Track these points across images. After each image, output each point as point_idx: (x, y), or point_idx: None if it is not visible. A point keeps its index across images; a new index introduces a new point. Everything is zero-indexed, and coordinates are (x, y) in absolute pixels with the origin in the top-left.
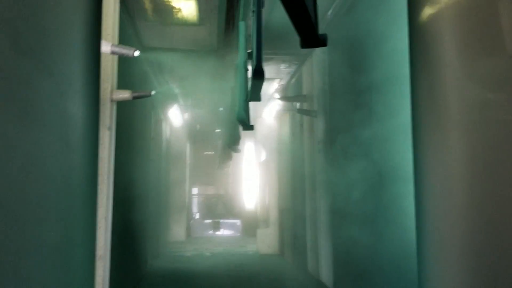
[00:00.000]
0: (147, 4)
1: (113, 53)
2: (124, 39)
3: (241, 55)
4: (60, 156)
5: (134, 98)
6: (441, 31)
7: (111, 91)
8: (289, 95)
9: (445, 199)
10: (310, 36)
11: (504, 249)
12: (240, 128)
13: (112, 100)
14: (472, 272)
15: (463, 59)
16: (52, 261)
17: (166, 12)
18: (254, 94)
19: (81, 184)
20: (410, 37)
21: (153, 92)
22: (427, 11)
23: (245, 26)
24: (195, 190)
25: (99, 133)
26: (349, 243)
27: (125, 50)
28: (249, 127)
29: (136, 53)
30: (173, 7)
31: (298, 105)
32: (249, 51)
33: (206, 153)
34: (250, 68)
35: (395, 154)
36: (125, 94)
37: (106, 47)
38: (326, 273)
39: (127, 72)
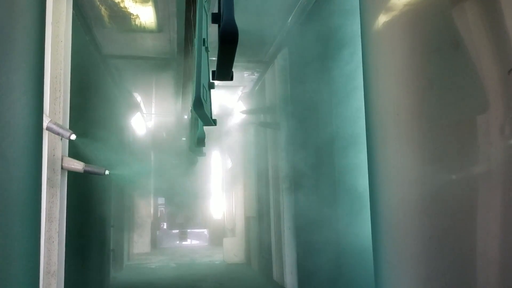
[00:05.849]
0: (103, 11)
1: (48, 129)
2: (80, 46)
3: (199, 29)
4: None
5: (86, 172)
6: (393, 38)
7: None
8: (253, 104)
9: (399, 206)
10: None
11: (454, 254)
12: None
13: (62, 168)
14: (425, 277)
15: (414, 65)
16: None
17: (123, 19)
18: (224, 67)
19: (20, 199)
20: (363, 44)
21: (107, 172)
22: (380, 19)
23: None
24: (162, 200)
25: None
26: (312, 251)
27: (61, 130)
28: (210, 121)
29: (73, 137)
30: (130, 14)
31: (262, 116)
32: (213, 12)
33: (173, 162)
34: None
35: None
36: (78, 166)
37: (44, 122)
38: (290, 281)
39: (85, 78)
